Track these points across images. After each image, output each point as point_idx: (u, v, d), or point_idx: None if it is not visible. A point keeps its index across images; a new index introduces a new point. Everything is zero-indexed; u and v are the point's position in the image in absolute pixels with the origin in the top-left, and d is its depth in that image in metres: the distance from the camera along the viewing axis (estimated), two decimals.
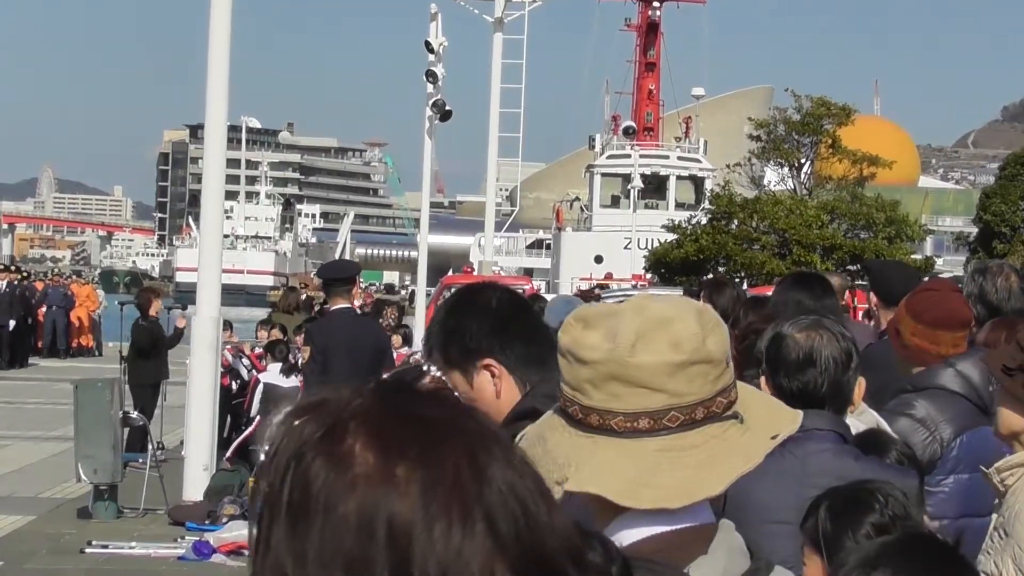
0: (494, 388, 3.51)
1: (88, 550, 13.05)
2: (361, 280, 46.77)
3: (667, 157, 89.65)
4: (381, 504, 1.44)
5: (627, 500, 2.14)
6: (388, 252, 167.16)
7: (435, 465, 1.46)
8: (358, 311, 16.05)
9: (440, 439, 1.48)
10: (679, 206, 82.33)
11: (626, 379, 2.19)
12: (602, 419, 2.21)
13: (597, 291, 25.58)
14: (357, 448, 1.47)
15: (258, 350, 19.66)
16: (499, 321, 3.52)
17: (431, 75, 29.36)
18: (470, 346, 3.50)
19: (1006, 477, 4.55)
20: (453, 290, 3.81)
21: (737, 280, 46.47)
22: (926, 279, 9.95)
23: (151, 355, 19.19)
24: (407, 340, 20.03)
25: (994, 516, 4.62)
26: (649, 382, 2.19)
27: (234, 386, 19.13)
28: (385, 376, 1.58)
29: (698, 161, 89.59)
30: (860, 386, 4.26)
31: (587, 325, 2.26)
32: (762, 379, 4.26)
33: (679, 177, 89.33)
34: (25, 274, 39.41)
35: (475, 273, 39.59)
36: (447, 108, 29.42)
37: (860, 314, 16.20)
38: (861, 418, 4.71)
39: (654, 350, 2.20)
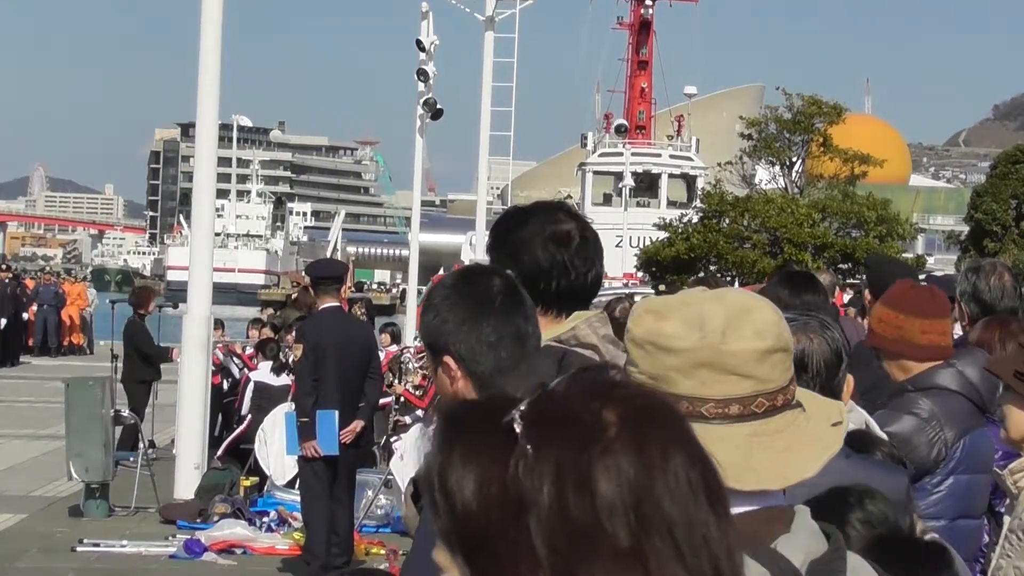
0: (451, 386, 3.46)
1: (79, 548, 13.04)
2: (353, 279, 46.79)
3: (659, 155, 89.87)
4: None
5: (733, 482, 2.18)
6: (379, 250, 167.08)
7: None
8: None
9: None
10: (671, 204, 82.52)
11: (718, 366, 2.26)
12: (692, 406, 2.26)
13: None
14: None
15: (249, 350, 19.66)
16: (467, 319, 3.46)
17: (422, 74, 29.34)
18: (435, 343, 3.48)
19: (1020, 479, 4.54)
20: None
21: (728, 279, 46.50)
22: (923, 278, 9.95)
23: (148, 354, 19.17)
24: (395, 338, 20.05)
25: (1007, 518, 4.62)
26: (740, 369, 2.26)
27: (225, 385, 19.13)
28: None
29: (690, 159, 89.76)
30: (848, 384, 4.24)
31: (660, 316, 2.31)
32: None
33: (671, 175, 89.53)
34: (14, 274, 39.29)
35: None
36: (438, 107, 29.41)
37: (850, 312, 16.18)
38: (849, 416, 4.69)
39: (742, 337, 2.27)
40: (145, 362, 18.98)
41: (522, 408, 1.59)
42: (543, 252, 3.82)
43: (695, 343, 2.26)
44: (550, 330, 3.73)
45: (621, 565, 1.52)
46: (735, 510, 2.21)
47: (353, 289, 37.62)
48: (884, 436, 4.91)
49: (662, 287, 17.32)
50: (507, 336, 3.43)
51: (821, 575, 2.20)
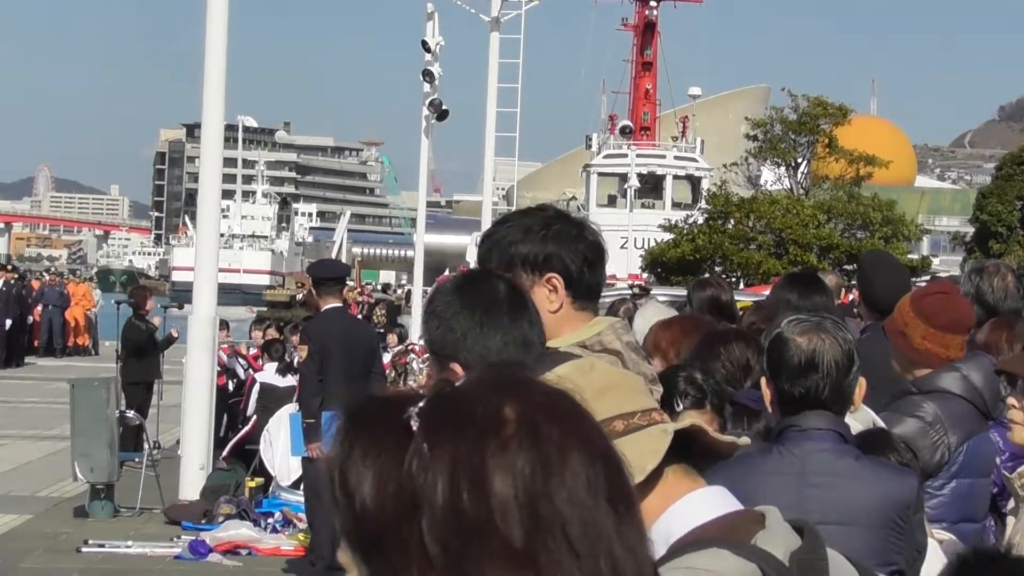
0: None
1: (84, 549, 13.04)
2: (362, 281, 46.81)
3: (664, 156, 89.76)
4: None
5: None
6: (385, 251, 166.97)
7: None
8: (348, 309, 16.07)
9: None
10: (676, 206, 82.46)
11: None
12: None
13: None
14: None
15: (253, 351, 19.66)
16: (474, 328, 3.44)
17: (428, 74, 29.34)
18: (441, 351, 3.46)
19: None
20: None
21: (733, 280, 46.49)
22: (922, 281, 9.93)
23: (144, 354, 19.17)
24: (402, 340, 20.07)
25: (1011, 520, 4.61)
26: None
27: (230, 385, 19.13)
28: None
29: (695, 160, 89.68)
30: (861, 387, 4.24)
31: None
32: (763, 380, 4.24)
33: (676, 176, 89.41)
34: (19, 274, 39.28)
35: None
36: (444, 107, 29.40)
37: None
38: (856, 416, 4.69)
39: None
40: (139, 360, 19.01)
41: (420, 405, 1.56)
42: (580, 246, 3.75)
43: None
44: (574, 333, 3.69)
45: (513, 565, 1.49)
46: (704, 517, 2.35)
47: (380, 289, 37.70)
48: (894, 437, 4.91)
49: (637, 289, 17.28)
50: (513, 343, 3.41)
51: (805, 564, 2.27)
